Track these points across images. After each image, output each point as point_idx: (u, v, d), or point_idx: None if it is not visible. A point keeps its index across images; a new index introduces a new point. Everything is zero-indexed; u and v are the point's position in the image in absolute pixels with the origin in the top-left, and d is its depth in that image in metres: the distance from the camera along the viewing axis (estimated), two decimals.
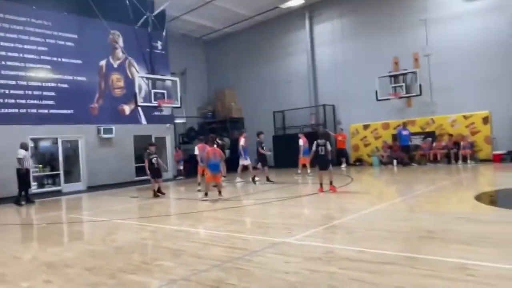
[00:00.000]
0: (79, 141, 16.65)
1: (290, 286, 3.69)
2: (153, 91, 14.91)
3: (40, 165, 15.79)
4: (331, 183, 10.17)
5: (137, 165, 17.97)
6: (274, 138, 20.95)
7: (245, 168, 14.75)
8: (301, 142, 15.42)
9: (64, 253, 5.73)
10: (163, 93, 15.10)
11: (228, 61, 24.31)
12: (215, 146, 11.86)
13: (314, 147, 10.33)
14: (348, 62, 19.48)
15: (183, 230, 6.85)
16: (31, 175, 13.64)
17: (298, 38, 21.41)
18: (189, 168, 18.22)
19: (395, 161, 17.32)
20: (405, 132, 16.87)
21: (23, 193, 12.86)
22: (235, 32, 23.62)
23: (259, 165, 14.05)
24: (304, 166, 15.34)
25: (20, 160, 12.52)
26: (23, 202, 12.70)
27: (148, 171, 11.69)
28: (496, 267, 3.89)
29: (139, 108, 17.91)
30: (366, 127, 19.05)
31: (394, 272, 3.90)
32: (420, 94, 16.62)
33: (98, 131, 17.01)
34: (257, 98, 22.88)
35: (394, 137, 17.66)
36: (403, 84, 17.15)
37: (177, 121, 21.94)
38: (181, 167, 19.32)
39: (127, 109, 18.30)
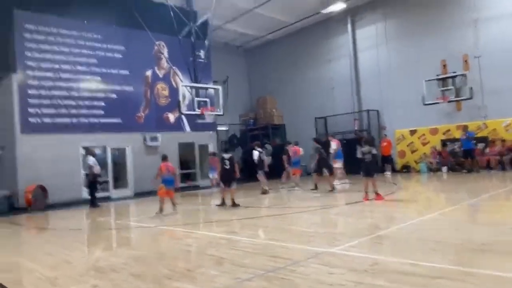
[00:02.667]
0: (126, 149, 17.25)
1: None
2: (196, 99, 15.24)
3: None
4: (376, 192, 9.87)
5: (181, 171, 18.31)
6: None
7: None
8: (335, 145, 14.18)
9: (112, 258, 5.90)
10: (206, 101, 15.40)
11: (269, 68, 24.40)
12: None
13: (359, 154, 10.08)
14: (392, 65, 18.97)
15: (226, 238, 6.87)
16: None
17: (340, 43, 21.13)
18: None
19: (444, 168, 16.62)
20: (464, 137, 15.74)
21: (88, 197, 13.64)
22: (275, 39, 23.70)
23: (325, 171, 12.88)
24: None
25: (91, 167, 13.17)
26: (99, 204, 13.47)
27: (238, 173, 10.83)
28: None
29: (183, 116, 18.33)
30: (412, 132, 18.40)
31: (447, 287, 3.68)
32: (471, 98, 15.87)
33: (144, 139, 17.55)
34: (299, 105, 22.78)
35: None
36: (452, 87, 16.47)
37: (220, 128, 22.24)
38: (214, 175, 15.60)
39: (171, 117, 18.79)
